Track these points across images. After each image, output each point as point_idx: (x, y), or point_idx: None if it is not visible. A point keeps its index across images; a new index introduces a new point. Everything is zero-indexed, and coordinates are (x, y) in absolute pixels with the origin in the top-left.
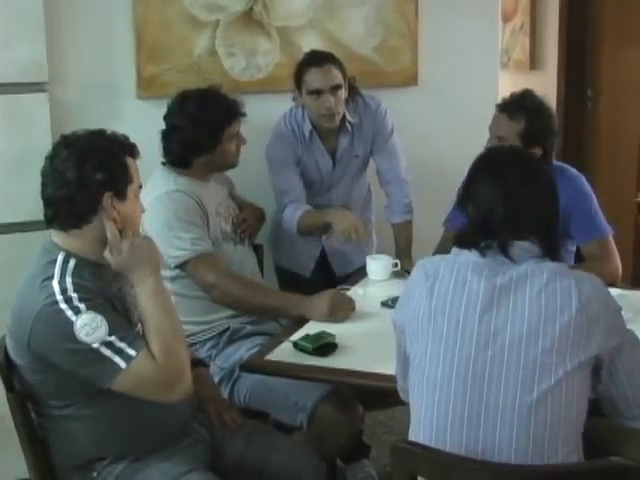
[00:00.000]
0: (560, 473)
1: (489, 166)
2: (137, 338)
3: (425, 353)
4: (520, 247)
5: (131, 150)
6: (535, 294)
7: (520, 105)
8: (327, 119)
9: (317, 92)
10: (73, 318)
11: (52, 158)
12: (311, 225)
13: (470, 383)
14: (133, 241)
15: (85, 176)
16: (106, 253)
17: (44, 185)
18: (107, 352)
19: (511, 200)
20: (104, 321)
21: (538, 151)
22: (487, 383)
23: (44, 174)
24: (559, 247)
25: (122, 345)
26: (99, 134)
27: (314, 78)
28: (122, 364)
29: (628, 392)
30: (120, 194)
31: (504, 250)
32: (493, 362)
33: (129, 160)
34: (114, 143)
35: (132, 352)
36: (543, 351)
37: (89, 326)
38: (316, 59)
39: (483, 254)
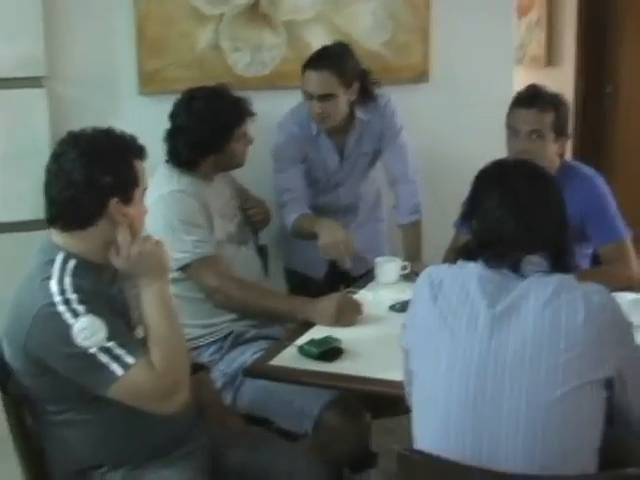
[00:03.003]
0: None
1: (496, 180)
2: (137, 345)
3: (427, 371)
4: (529, 261)
5: (140, 152)
6: (539, 309)
7: (545, 97)
8: (318, 121)
9: (309, 95)
10: (71, 321)
11: (58, 156)
12: (302, 230)
13: (472, 402)
14: (142, 248)
15: (93, 178)
16: (112, 256)
17: (48, 183)
18: (104, 359)
19: (521, 215)
20: (103, 325)
21: (566, 141)
22: (490, 402)
23: (49, 172)
24: (569, 260)
25: (121, 352)
26: (109, 134)
27: (307, 81)
28: (119, 372)
29: (635, 408)
30: (127, 198)
31: (515, 266)
32: (495, 380)
33: (137, 163)
34: (123, 145)
35: (131, 360)
36: (549, 367)
37: (87, 330)
38: (316, 61)
39: (490, 266)
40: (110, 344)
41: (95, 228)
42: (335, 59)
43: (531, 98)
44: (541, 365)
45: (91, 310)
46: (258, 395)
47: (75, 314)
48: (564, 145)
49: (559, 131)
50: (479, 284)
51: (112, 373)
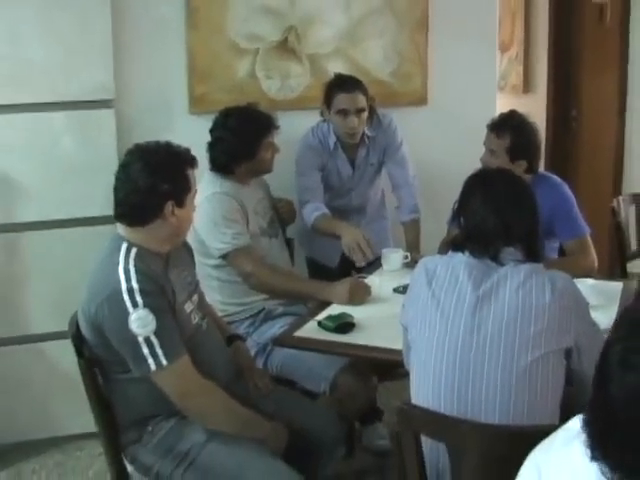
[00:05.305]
0: (539, 432)
1: (480, 185)
2: (175, 349)
3: (422, 342)
4: (506, 252)
5: (193, 162)
6: (514, 291)
7: (505, 124)
8: (350, 136)
9: (344, 112)
10: (130, 309)
11: (126, 165)
12: (323, 229)
13: (458, 366)
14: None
15: (154, 186)
16: None
17: (117, 189)
18: (145, 350)
19: (500, 213)
20: (154, 321)
21: (523, 164)
22: (473, 366)
23: (118, 179)
24: (539, 251)
25: (159, 351)
26: (168, 148)
27: (343, 101)
28: (153, 367)
29: (589, 373)
30: (180, 202)
31: (495, 256)
32: (478, 348)
33: (190, 171)
34: (180, 156)
35: (164, 362)
36: (521, 337)
37: (141, 321)
38: (346, 84)
39: (475, 256)
40: (154, 339)
41: (152, 225)
42: (358, 81)
43: (496, 123)
44: (515, 336)
45: (148, 305)
46: (285, 361)
47: (135, 304)
48: (529, 165)
49: (514, 155)
50: (466, 271)
51: (148, 366)
